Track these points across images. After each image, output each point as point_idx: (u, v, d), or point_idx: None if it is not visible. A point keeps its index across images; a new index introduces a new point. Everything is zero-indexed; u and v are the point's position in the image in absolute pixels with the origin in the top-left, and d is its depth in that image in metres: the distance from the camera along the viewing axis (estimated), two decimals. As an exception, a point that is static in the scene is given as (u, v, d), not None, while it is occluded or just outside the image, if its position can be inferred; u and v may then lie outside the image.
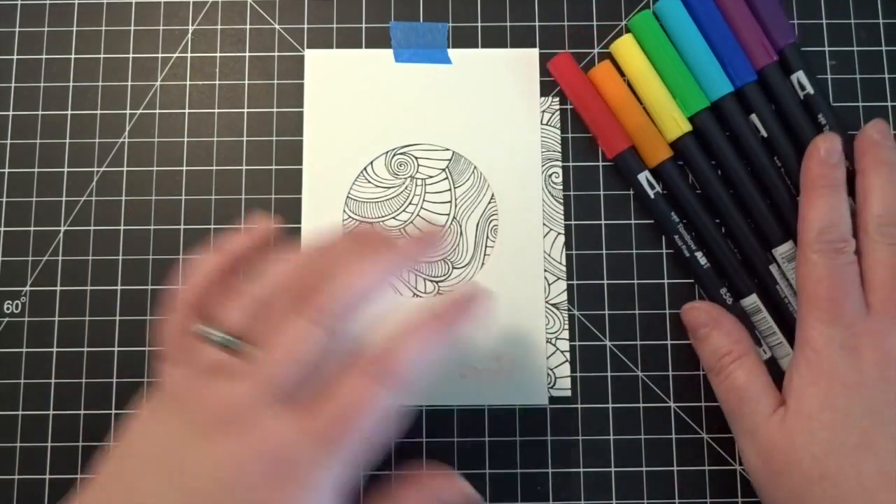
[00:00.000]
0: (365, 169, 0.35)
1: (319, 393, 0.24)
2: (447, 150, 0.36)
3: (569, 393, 0.34)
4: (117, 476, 0.24)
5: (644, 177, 0.34)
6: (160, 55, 0.36)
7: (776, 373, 0.31)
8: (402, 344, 0.25)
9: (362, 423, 0.23)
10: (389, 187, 0.35)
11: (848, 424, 0.28)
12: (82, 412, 0.34)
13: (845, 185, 0.31)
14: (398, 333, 0.25)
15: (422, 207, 0.35)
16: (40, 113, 0.36)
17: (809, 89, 0.34)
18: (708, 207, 0.34)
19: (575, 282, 0.34)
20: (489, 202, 0.35)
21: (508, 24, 0.36)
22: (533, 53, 0.36)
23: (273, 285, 0.26)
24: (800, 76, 0.34)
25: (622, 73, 0.35)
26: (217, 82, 0.36)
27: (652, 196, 0.34)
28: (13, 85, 0.36)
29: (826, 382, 0.29)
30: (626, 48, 0.35)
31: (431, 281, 0.35)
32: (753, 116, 0.34)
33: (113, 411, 0.34)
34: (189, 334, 0.25)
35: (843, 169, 0.32)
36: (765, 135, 0.34)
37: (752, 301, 0.33)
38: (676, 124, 0.34)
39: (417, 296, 0.34)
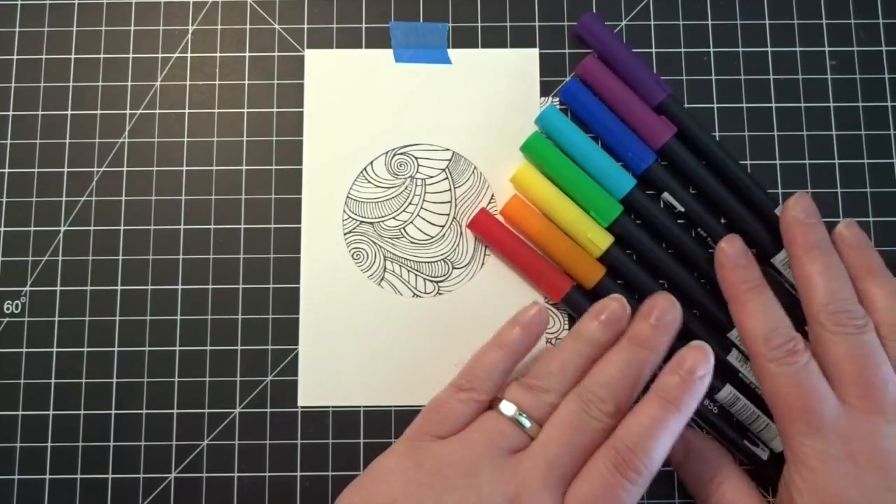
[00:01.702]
0: (365, 169, 0.35)
1: (577, 480, 0.27)
2: (447, 150, 0.36)
3: (569, 393, 0.34)
4: None
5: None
6: (160, 55, 0.36)
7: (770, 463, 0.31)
8: (642, 438, 0.27)
9: None
10: (389, 187, 0.35)
11: None
12: (82, 412, 0.34)
13: (765, 282, 0.30)
14: (635, 425, 0.27)
15: (422, 207, 0.35)
16: (40, 113, 0.36)
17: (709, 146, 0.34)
18: None
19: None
20: (489, 202, 0.35)
21: (508, 24, 0.36)
22: (533, 53, 0.36)
23: (549, 373, 0.29)
24: (695, 139, 0.34)
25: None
26: (217, 82, 0.36)
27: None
28: (13, 85, 0.36)
29: (830, 502, 0.27)
30: (525, 177, 0.34)
31: (431, 281, 0.35)
32: (663, 197, 0.34)
33: (113, 411, 0.34)
34: (460, 408, 0.29)
35: (755, 266, 0.31)
36: (681, 209, 0.33)
37: (728, 392, 0.32)
38: (595, 245, 0.33)
39: (417, 296, 0.34)
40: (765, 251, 0.33)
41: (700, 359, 0.28)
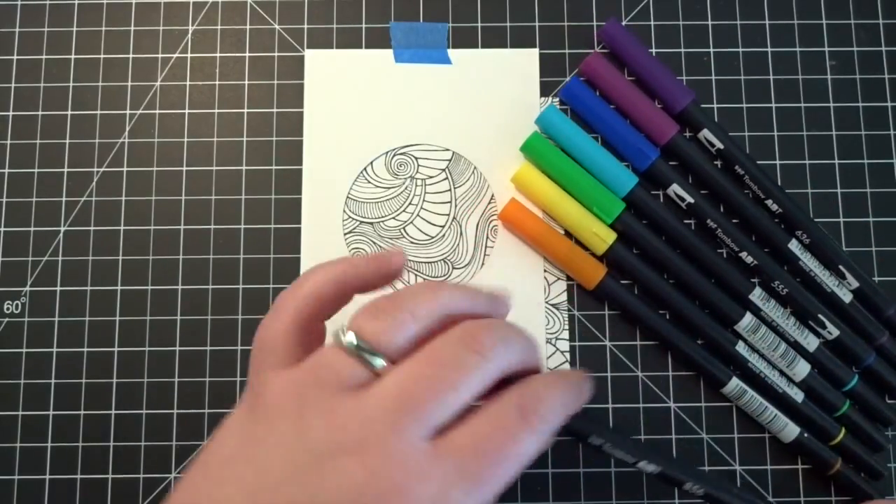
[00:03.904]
0: (365, 169, 0.35)
1: (461, 425, 0.21)
2: (447, 150, 0.36)
3: (569, 393, 0.34)
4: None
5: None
6: (160, 55, 0.36)
7: (778, 448, 0.32)
8: (548, 389, 0.23)
9: (504, 462, 0.21)
10: (389, 187, 0.35)
11: None
12: (82, 412, 0.34)
13: None
14: (540, 380, 0.23)
15: (422, 208, 0.35)
16: (40, 113, 0.36)
17: (719, 144, 0.34)
18: (660, 307, 0.34)
19: (575, 282, 0.34)
20: (489, 202, 0.35)
21: (508, 24, 0.36)
22: (533, 53, 0.36)
23: (420, 306, 0.23)
24: (706, 134, 0.34)
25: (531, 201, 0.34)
26: (217, 82, 0.36)
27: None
28: (13, 85, 0.36)
29: None
30: (526, 176, 0.34)
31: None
32: (671, 190, 0.34)
33: (113, 411, 0.34)
34: (294, 338, 0.23)
35: None
36: (691, 201, 0.33)
37: (734, 385, 0.33)
38: (601, 239, 0.33)
39: (417, 296, 0.34)
40: (774, 243, 0.33)
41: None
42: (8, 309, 0.34)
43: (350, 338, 0.22)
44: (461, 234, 0.35)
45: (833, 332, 0.33)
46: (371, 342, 0.22)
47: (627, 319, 0.34)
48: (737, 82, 0.36)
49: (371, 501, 0.20)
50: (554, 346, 0.34)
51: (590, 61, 0.34)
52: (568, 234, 0.34)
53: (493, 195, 0.35)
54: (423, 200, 0.35)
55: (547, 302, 0.34)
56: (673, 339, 0.33)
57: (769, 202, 0.34)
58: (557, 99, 0.35)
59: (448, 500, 0.20)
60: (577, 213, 0.33)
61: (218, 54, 0.36)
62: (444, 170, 0.35)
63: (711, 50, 0.36)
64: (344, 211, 0.35)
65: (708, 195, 0.34)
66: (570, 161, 0.34)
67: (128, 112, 0.36)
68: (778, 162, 0.35)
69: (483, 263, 0.35)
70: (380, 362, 0.22)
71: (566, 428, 0.25)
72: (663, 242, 0.34)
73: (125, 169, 0.35)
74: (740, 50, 0.36)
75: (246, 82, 0.36)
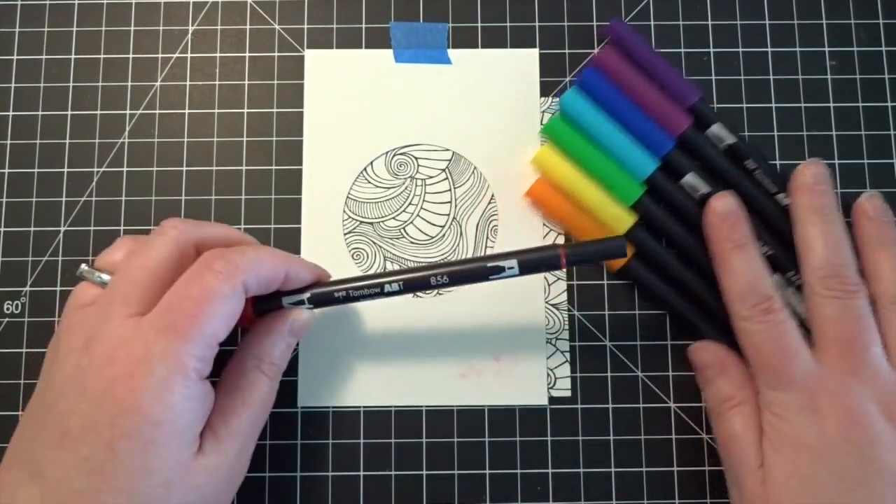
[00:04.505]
0: (365, 169, 0.35)
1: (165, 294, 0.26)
2: (447, 150, 0.36)
3: (569, 393, 0.34)
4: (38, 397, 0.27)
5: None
6: (160, 55, 0.36)
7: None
8: (234, 250, 0.27)
9: (196, 308, 0.25)
10: (389, 187, 0.35)
11: (816, 493, 0.27)
12: (82, 412, 0.33)
13: (752, 240, 0.31)
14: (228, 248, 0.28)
15: (422, 208, 0.35)
16: (40, 113, 0.36)
17: (729, 140, 0.34)
18: (683, 293, 0.34)
19: (575, 282, 0.34)
20: (489, 202, 0.35)
21: (508, 24, 0.36)
22: (533, 53, 0.36)
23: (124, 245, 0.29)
24: (716, 129, 0.34)
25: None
26: (217, 82, 0.36)
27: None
28: (13, 85, 0.36)
29: (791, 448, 0.28)
30: (547, 158, 0.34)
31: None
32: (685, 180, 0.34)
33: (113, 411, 0.33)
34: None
35: (744, 224, 0.31)
36: (704, 191, 0.33)
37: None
38: (621, 221, 0.33)
39: (417, 296, 0.34)
40: (786, 236, 0.33)
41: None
42: (8, 309, 0.34)
43: (80, 269, 0.28)
44: (461, 234, 0.35)
45: None
46: (96, 266, 0.28)
47: (653, 301, 0.34)
48: (737, 82, 0.36)
49: (89, 375, 0.25)
50: (554, 346, 0.34)
51: (603, 55, 0.34)
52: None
53: (493, 195, 0.35)
54: (423, 200, 0.35)
55: (547, 302, 0.34)
56: (698, 322, 0.33)
57: (781, 196, 0.34)
58: (554, 104, 0.35)
59: (152, 354, 0.24)
60: (598, 196, 0.34)
61: (218, 54, 0.36)
62: (444, 170, 0.35)
63: (711, 50, 0.36)
64: (344, 211, 0.35)
65: (722, 186, 0.34)
66: (591, 144, 0.34)
67: (128, 112, 0.36)
68: (778, 162, 0.35)
69: (483, 263, 0.35)
70: (104, 278, 0.28)
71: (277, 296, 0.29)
72: (682, 227, 0.34)
73: (125, 169, 0.35)
74: (740, 50, 0.36)
75: (246, 82, 0.36)
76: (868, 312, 0.29)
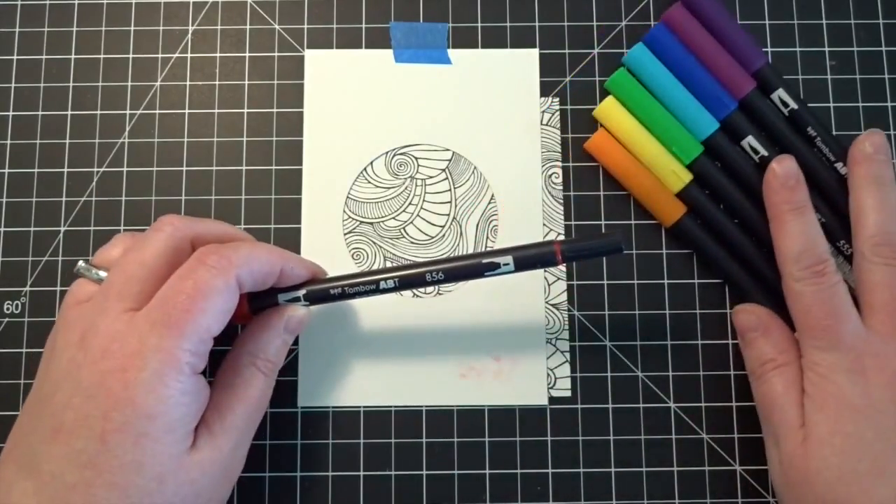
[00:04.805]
0: (365, 169, 0.35)
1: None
2: (447, 150, 0.36)
3: (569, 393, 0.34)
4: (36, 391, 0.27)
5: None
6: (160, 55, 0.36)
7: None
8: (228, 246, 0.27)
9: (190, 302, 0.25)
10: (389, 187, 0.35)
11: (859, 450, 0.27)
12: (82, 412, 0.33)
13: (810, 204, 0.31)
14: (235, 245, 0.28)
15: (422, 208, 0.35)
16: (40, 113, 0.36)
17: (793, 105, 0.34)
18: (733, 254, 0.34)
19: (575, 282, 0.34)
20: (489, 202, 0.35)
21: (508, 24, 0.36)
22: (533, 53, 0.36)
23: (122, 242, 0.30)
24: (780, 94, 0.34)
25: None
26: (217, 82, 0.36)
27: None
28: (13, 85, 0.36)
29: (835, 407, 0.28)
30: (610, 110, 0.35)
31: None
32: (746, 142, 0.34)
33: (113, 411, 0.33)
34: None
35: (803, 188, 0.32)
36: (765, 154, 0.34)
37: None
38: (678, 177, 0.34)
39: (417, 296, 0.34)
40: (841, 206, 0.33)
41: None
42: (8, 309, 0.34)
43: (78, 265, 0.28)
44: (461, 234, 0.35)
45: None
46: (93, 263, 0.29)
47: (701, 261, 0.34)
48: (737, 82, 0.36)
49: (83, 369, 0.25)
50: (554, 346, 0.34)
51: (673, 13, 0.35)
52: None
53: (493, 195, 0.35)
54: (423, 200, 0.35)
55: (547, 302, 0.34)
56: (742, 283, 0.34)
57: (839, 165, 0.34)
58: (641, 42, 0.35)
59: (146, 348, 0.25)
60: (657, 150, 0.34)
61: (218, 54, 0.36)
62: (444, 170, 0.35)
63: (711, 50, 0.36)
64: (344, 211, 0.35)
65: (781, 152, 0.34)
66: (654, 99, 0.34)
67: (128, 112, 0.36)
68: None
69: (483, 263, 0.35)
70: (101, 274, 0.28)
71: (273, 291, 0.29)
72: (738, 189, 0.34)
73: (125, 169, 0.35)
74: (740, 50, 0.36)
75: (246, 82, 0.36)
76: None
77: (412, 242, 0.35)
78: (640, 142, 0.34)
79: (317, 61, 0.36)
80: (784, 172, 0.32)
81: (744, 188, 0.34)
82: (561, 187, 0.35)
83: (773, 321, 0.32)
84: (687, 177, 0.34)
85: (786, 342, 0.31)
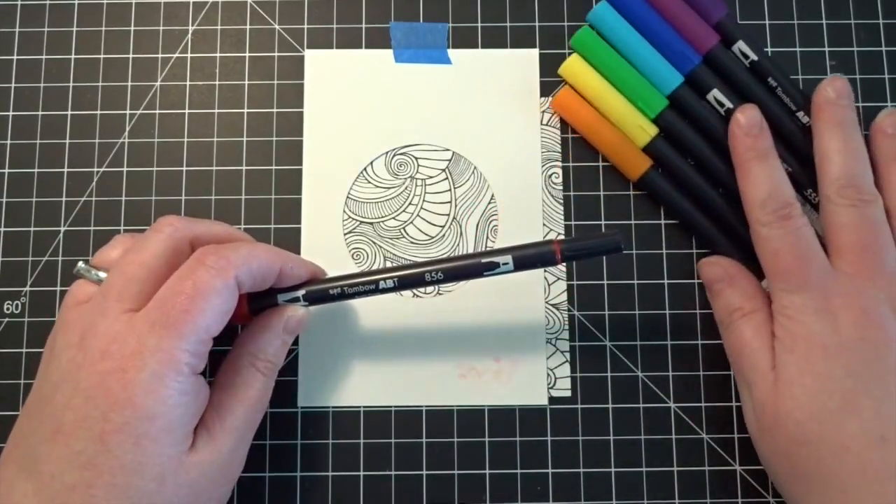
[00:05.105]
0: (365, 169, 0.35)
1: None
2: (447, 150, 0.36)
3: (569, 393, 0.34)
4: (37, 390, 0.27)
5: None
6: (160, 55, 0.36)
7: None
8: (227, 246, 0.27)
9: (189, 303, 0.25)
10: (389, 187, 0.35)
11: (829, 387, 0.28)
12: (82, 412, 0.33)
13: (774, 151, 0.32)
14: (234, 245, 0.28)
15: (422, 208, 0.35)
16: (40, 113, 0.36)
17: (753, 56, 0.34)
18: (698, 206, 0.34)
19: (575, 282, 0.34)
20: (489, 202, 0.35)
21: (508, 24, 0.36)
22: (533, 53, 0.36)
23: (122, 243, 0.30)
24: (741, 46, 0.34)
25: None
26: (217, 82, 0.36)
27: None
28: (13, 85, 0.36)
29: (804, 348, 0.28)
30: (575, 67, 0.35)
31: (431, 281, 0.35)
32: (712, 95, 0.34)
33: (113, 411, 0.33)
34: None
35: (767, 136, 0.32)
36: (730, 106, 0.34)
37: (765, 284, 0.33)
38: (644, 131, 0.34)
39: (417, 296, 0.34)
40: (805, 153, 0.34)
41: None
42: (8, 309, 0.34)
43: (78, 266, 0.28)
44: (461, 234, 0.35)
45: None
46: (93, 263, 0.29)
47: (668, 214, 0.35)
48: (737, 82, 0.36)
49: (83, 370, 0.25)
50: (554, 346, 0.34)
51: None
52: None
53: (493, 195, 0.35)
54: (423, 200, 0.35)
55: (547, 302, 0.34)
56: (710, 234, 0.34)
57: (800, 114, 0.34)
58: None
59: (145, 349, 0.25)
60: (623, 106, 0.34)
61: (218, 54, 0.36)
62: (444, 170, 0.35)
63: (711, 50, 0.36)
64: (344, 211, 0.35)
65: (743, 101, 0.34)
66: (618, 56, 0.34)
67: (128, 112, 0.36)
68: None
69: (483, 263, 0.35)
70: (101, 275, 0.28)
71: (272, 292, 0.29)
72: (703, 141, 0.34)
73: (125, 169, 0.35)
74: (740, 50, 0.36)
75: (246, 82, 0.36)
76: (883, 220, 0.30)
77: (412, 242, 0.35)
78: (605, 98, 0.34)
79: (317, 61, 0.36)
80: (747, 121, 0.32)
81: (711, 141, 0.34)
82: (561, 187, 0.35)
83: (738, 271, 0.32)
84: (653, 130, 0.34)
85: (753, 290, 0.31)
